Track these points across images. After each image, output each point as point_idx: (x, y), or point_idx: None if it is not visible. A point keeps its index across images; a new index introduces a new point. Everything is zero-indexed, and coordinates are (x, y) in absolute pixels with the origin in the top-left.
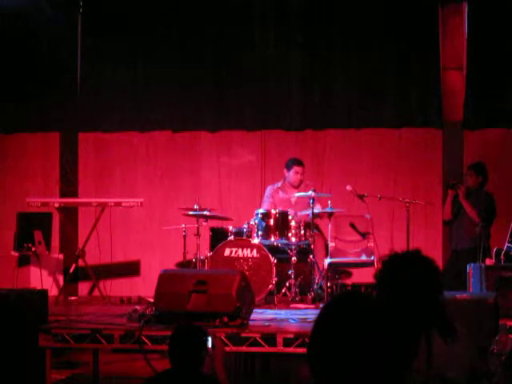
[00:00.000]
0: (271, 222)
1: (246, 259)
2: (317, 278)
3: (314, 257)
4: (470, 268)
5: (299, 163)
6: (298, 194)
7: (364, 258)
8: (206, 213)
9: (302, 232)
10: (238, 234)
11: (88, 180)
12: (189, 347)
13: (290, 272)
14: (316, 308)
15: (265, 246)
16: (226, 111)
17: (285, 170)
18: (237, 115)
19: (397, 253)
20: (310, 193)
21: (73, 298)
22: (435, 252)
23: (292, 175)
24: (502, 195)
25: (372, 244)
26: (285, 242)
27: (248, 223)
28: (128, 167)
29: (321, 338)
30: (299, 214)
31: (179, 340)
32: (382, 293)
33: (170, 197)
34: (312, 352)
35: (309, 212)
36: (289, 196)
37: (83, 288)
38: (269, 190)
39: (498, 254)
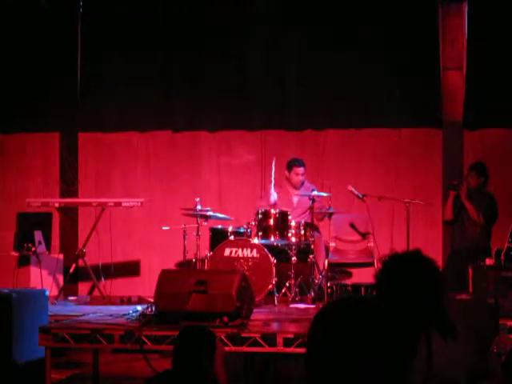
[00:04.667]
0: (271, 221)
1: (245, 259)
2: (317, 278)
3: (313, 257)
4: (470, 268)
5: (299, 164)
6: (299, 194)
7: (364, 258)
8: (206, 213)
9: (302, 232)
10: (238, 234)
11: (88, 180)
12: (195, 350)
13: (289, 272)
14: (316, 308)
15: (265, 246)
16: (226, 111)
17: (286, 171)
18: (237, 115)
19: (397, 253)
20: (311, 192)
21: (73, 297)
22: (435, 252)
23: (292, 176)
24: (502, 195)
25: (372, 244)
26: (285, 242)
27: (248, 223)
28: (128, 167)
29: (318, 342)
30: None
31: (185, 342)
32: (382, 293)
33: (169, 197)
34: (309, 356)
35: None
36: (290, 196)
37: (83, 288)
38: (270, 188)
39: (498, 254)
